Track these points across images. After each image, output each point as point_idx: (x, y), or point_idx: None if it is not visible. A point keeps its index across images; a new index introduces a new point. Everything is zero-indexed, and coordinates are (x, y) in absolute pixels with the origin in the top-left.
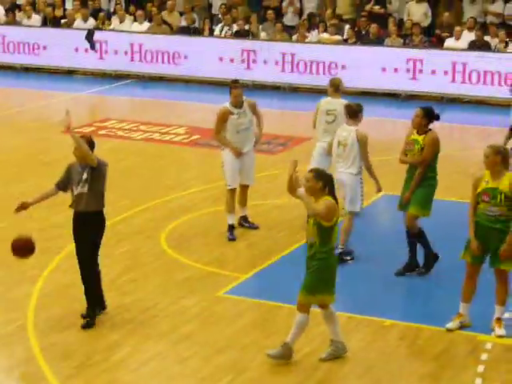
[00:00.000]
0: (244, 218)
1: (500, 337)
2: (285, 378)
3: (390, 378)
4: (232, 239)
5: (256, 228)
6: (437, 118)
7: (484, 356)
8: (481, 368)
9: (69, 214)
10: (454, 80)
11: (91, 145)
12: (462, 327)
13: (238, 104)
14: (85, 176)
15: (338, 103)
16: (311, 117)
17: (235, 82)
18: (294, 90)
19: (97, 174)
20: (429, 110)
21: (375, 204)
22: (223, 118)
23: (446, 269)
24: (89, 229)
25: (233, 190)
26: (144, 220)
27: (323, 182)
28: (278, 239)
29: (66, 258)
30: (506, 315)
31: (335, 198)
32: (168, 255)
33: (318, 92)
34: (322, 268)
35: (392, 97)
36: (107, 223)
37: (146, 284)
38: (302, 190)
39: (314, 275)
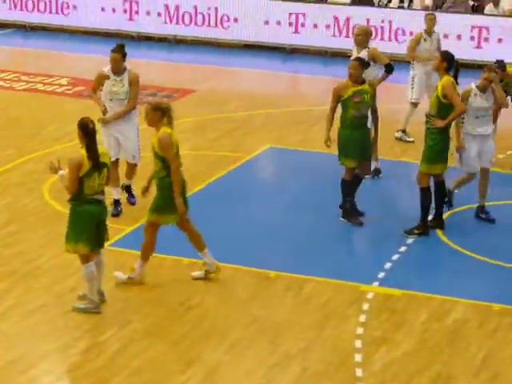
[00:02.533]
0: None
1: None
2: (171, 329)
3: (275, 328)
4: (114, 214)
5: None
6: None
7: (366, 306)
8: (362, 318)
9: None
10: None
11: None
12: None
13: (115, 70)
14: None
15: None
16: (196, 69)
17: (117, 46)
18: (178, 42)
19: None
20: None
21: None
22: (98, 80)
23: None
24: None
25: (114, 162)
26: (26, 172)
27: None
28: None
29: None
30: None
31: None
32: (51, 207)
33: (203, 44)
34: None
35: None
36: None
37: (28, 236)
38: (61, 173)
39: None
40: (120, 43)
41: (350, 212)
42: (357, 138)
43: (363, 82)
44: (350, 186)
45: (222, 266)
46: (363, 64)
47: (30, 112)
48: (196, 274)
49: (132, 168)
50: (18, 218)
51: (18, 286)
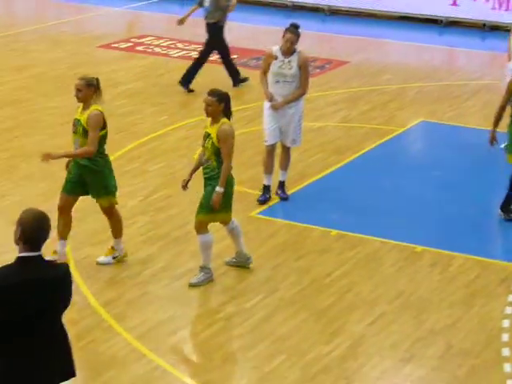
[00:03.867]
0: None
1: None
2: (315, 300)
3: (420, 304)
4: (261, 201)
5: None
6: None
7: None
8: (511, 297)
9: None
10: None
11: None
12: None
13: (286, 52)
14: None
15: None
16: (350, 41)
17: (292, 26)
18: (333, 13)
19: None
20: None
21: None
22: (266, 60)
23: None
24: None
25: (270, 147)
26: (179, 138)
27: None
28: (311, 163)
29: None
30: None
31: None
32: (202, 174)
33: (356, 15)
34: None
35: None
36: (144, 139)
37: (179, 202)
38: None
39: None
40: (295, 23)
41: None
42: None
43: None
44: None
45: (369, 238)
46: None
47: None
48: (101, 259)
49: (287, 153)
50: (170, 184)
51: (168, 250)
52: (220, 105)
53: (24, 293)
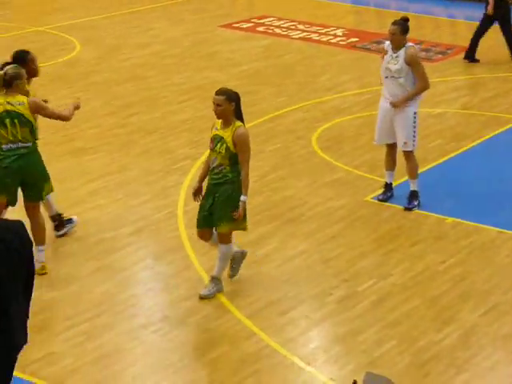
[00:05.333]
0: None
1: None
2: (428, 287)
3: None
4: (380, 199)
5: None
6: None
7: None
8: None
9: None
10: None
11: None
12: None
13: (392, 45)
14: None
15: None
16: (472, 26)
17: (401, 19)
18: None
19: None
20: None
21: None
22: (381, 55)
23: None
24: None
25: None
26: (296, 120)
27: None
28: (429, 149)
29: None
30: None
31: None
32: (318, 156)
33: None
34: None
35: None
36: (261, 119)
37: (294, 183)
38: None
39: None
40: (405, 16)
41: None
42: None
43: None
44: None
45: (485, 227)
46: None
47: (303, 61)
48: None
49: (406, 157)
50: (286, 165)
51: (281, 231)
52: (231, 104)
53: None
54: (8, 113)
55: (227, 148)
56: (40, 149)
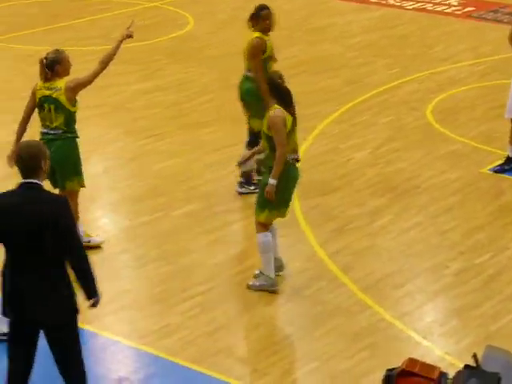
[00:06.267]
0: None
1: None
2: None
3: None
4: (496, 171)
5: None
6: None
7: None
8: None
9: None
10: None
11: None
12: None
13: None
14: None
15: None
16: None
17: None
18: None
19: None
20: None
21: None
22: None
23: None
24: None
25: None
26: (410, 91)
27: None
28: None
29: (330, 123)
30: None
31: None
32: (433, 128)
33: None
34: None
35: None
36: (375, 91)
37: (409, 155)
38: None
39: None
40: None
41: None
42: None
43: None
44: None
45: None
46: None
47: (417, 32)
48: None
49: None
50: (400, 137)
51: (396, 203)
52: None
53: (12, 213)
54: (46, 98)
55: (263, 130)
56: (156, 123)
